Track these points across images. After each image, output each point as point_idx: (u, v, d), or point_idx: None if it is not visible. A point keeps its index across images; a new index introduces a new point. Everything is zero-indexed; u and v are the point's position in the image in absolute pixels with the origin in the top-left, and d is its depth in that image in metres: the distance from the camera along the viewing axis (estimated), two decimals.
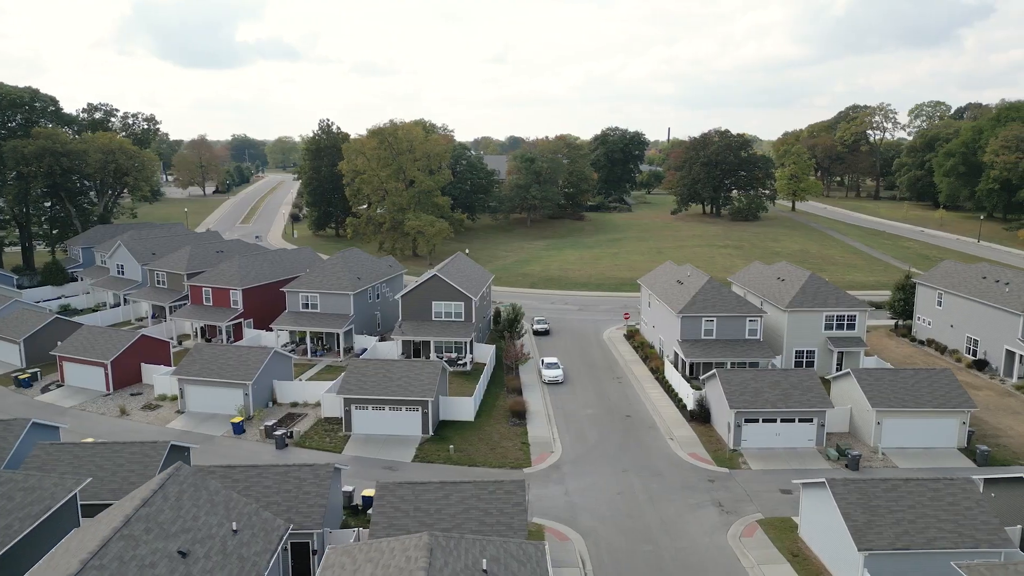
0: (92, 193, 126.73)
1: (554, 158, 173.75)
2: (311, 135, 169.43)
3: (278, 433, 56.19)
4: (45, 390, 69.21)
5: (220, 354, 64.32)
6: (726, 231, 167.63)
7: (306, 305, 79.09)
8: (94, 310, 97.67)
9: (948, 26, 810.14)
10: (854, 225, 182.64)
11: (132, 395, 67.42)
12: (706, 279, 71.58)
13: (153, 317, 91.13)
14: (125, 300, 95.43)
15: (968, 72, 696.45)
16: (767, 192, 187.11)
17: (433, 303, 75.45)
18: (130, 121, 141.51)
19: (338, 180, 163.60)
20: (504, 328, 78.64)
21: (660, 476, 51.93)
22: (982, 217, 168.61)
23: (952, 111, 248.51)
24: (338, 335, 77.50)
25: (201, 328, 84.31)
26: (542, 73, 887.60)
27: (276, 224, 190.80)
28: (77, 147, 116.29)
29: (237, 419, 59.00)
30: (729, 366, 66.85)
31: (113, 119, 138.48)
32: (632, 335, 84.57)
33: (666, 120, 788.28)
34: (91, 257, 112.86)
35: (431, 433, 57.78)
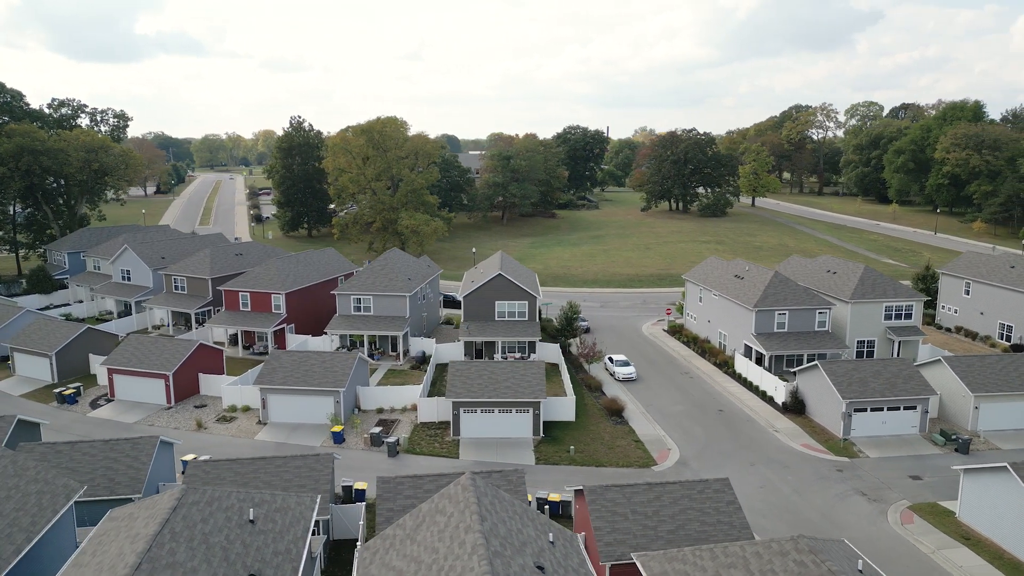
0: (65, 195, 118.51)
1: (531, 156, 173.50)
2: (282, 132, 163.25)
3: (390, 440, 53.96)
4: (95, 405, 64.34)
5: (301, 361, 61.27)
6: (700, 227, 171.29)
7: (358, 308, 76.28)
8: (98, 319, 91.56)
9: (842, 31, 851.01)
10: (816, 220, 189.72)
11: (196, 407, 63.48)
12: (772, 273, 72.86)
13: (172, 325, 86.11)
14: (139, 307, 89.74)
15: (861, 75, 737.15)
16: (731, 188, 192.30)
17: (496, 303, 74.17)
18: (98, 118, 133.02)
19: (311, 179, 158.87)
20: (562, 327, 77.89)
21: (788, 468, 52.51)
22: (938, 211, 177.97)
23: (887, 111, 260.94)
24: (398, 338, 75.07)
25: (235, 335, 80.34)
26: (459, 71, 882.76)
27: (240, 225, 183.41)
28: (56, 145, 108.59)
29: (337, 428, 56.32)
30: (805, 358, 68.44)
31: (82, 115, 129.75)
32: (677, 330, 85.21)
33: (583, 119, 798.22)
34: (78, 262, 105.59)
35: (541, 435, 56.66)
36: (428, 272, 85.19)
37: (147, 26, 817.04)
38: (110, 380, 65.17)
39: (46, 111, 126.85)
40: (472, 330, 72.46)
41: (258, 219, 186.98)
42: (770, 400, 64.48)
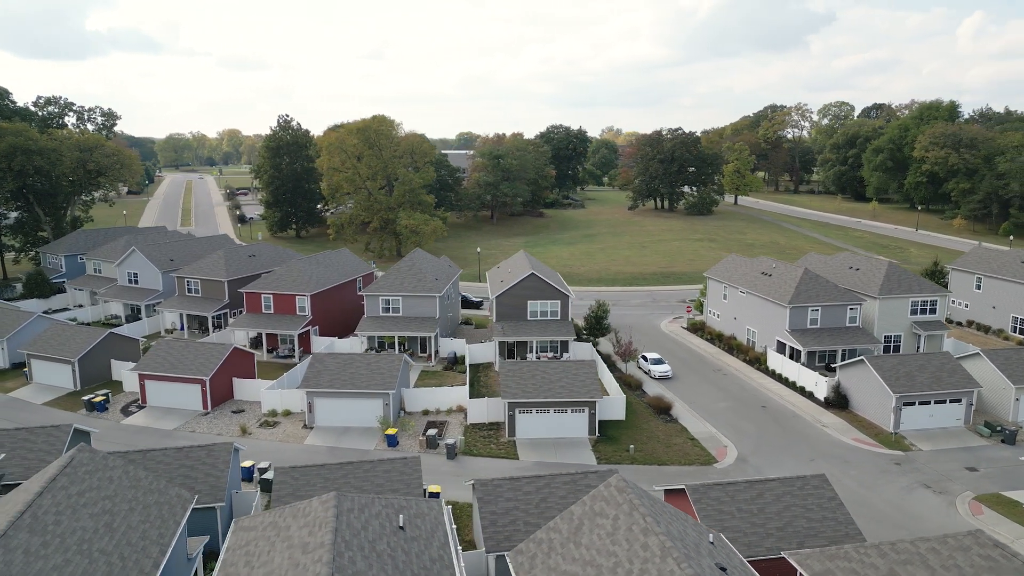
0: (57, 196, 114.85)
1: (521, 155, 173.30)
2: (269, 131, 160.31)
3: (448, 443, 53.28)
4: (126, 412, 62.34)
5: (346, 364, 60.14)
6: (689, 225, 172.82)
7: (387, 309, 75.22)
8: (104, 323, 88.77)
9: (797, 33, 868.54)
10: (800, 218, 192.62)
11: (234, 412, 61.90)
12: (802, 270, 73.63)
13: (186, 328, 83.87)
14: (150, 311, 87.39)
15: (815, 75, 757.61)
16: (715, 187, 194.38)
17: (528, 302, 73.74)
18: (85, 116, 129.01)
19: (300, 179, 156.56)
20: (591, 326, 77.68)
21: (848, 463, 53.04)
22: (920, 208, 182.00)
23: (858, 111, 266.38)
24: (429, 339, 74.17)
25: (255, 338, 78.61)
26: (422, 70, 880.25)
27: (223, 226, 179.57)
28: (48, 145, 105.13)
29: (391, 431, 55.38)
30: (839, 353, 69.40)
31: (69, 113, 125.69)
32: (699, 327, 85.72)
33: (547, 119, 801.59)
34: (76, 265, 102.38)
35: (597, 434, 56.41)
36: (451, 272, 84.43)
37: (99, 22, 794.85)
38: (141, 386, 63.16)
39: (31, 109, 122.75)
40: (506, 330, 71.91)
41: (242, 220, 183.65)
42: (809, 395, 65.16)
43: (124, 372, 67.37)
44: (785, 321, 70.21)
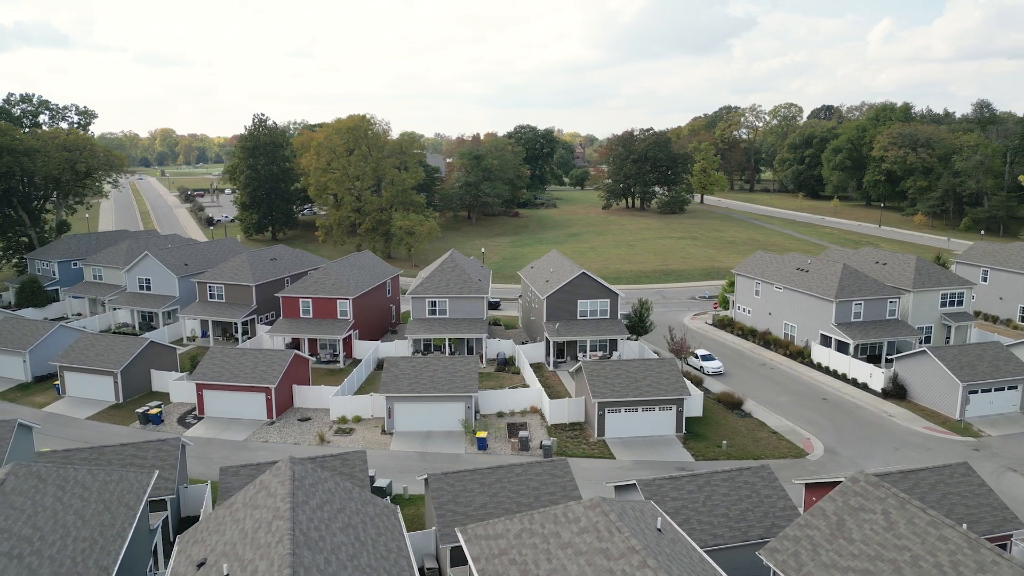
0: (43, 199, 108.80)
1: (503, 155, 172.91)
2: (244, 130, 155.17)
3: (546, 444, 52.85)
4: (185, 424, 59.57)
5: (422, 367, 58.87)
6: (667, 223, 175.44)
7: (433, 311, 73.93)
8: (115, 332, 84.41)
9: (719, 36, 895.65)
10: (766, 215, 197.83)
11: (300, 420, 59.86)
12: (841, 265, 75.66)
13: (211, 335, 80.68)
14: (168, 318, 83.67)
15: (737, 78, 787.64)
16: (686, 186, 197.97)
17: (578, 302, 73.64)
18: (60, 115, 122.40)
19: (277, 180, 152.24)
20: (634, 324, 78.02)
21: (930, 451, 54.83)
22: (883, 206, 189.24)
23: (807, 113, 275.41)
24: (478, 340, 73.21)
25: (291, 343, 76.10)
26: (351, 69, 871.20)
27: (190, 229, 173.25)
28: (34, 144, 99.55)
29: (482, 434, 54.61)
30: (884, 345, 71.65)
31: (44, 112, 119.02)
32: (727, 323, 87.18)
33: (479, 118, 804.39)
34: (71, 272, 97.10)
35: (683, 431, 56.76)
36: (484, 273, 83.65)
37: (6, 15, 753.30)
38: (199, 396, 60.47)
39: (4, 107, 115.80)
40: (560, 330, 71.63)
41: (210, 222, 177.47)
42: (863, 386, 67.05)
43: (171, 382, 64.32)
44: (831, 315, 72.06)
